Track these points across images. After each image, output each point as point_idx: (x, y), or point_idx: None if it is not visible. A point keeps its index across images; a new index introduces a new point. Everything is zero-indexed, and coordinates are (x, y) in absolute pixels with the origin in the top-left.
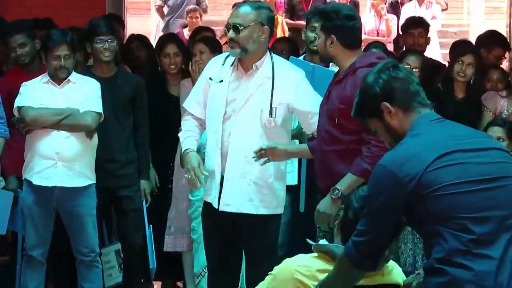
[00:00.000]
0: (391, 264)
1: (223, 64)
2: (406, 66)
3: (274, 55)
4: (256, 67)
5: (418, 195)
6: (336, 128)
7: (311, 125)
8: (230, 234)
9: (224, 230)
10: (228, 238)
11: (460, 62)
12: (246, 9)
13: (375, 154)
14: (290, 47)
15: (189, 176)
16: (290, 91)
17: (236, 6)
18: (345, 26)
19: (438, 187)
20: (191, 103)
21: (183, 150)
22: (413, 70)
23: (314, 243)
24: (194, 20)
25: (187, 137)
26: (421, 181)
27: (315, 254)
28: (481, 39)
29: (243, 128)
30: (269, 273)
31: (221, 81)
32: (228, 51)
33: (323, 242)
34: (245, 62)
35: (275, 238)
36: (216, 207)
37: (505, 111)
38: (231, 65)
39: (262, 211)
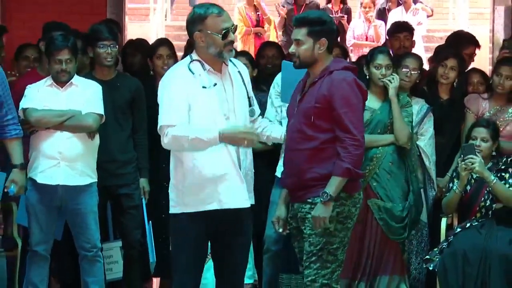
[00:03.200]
0: None
1: (193, 73)
2: (405, 68)
3: None
4: (225, 64)
5: None
6: (311, 127)
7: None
8: (213, 233)
9: (211, 231)
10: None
11: (443, 66)
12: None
13: (352, 153)
14: (278, 52)
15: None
16: (248, 80)
17: (217, 8)
18: (333, 30)
19: None
20: (180, 114)
21: (209, 136)
22: (413, 71)
23: None
24: None
25: (199, 128)
26: None
27: None
28: (453, 40)
29: (242, 124)
30: None
31: (215, 84)
32: (226, 55)
33: None
34: (217, 64)
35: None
36: (244, 206)
37: (487, 113)
38: (204, 71)
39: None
